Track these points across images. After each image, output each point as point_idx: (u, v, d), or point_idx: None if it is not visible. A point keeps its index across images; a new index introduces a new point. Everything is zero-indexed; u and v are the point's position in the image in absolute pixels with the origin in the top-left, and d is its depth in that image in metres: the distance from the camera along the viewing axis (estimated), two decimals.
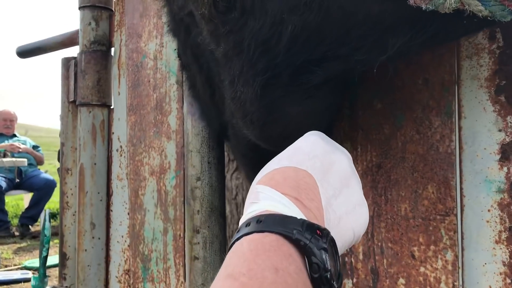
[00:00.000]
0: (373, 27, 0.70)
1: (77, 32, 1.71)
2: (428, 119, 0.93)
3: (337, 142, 0.78)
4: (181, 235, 1.33)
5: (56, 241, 6.66)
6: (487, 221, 0.90)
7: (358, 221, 0.72)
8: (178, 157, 1.33)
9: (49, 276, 1.85)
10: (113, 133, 1.60)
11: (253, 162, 1.09)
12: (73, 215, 1.65)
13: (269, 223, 0.59)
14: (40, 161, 7.59)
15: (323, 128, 0.91)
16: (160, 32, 1.38)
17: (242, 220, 0.66)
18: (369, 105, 1.00)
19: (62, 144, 1.67)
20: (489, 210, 0.90)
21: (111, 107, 1.62)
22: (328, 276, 0.58)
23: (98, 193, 1.58)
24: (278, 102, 0.83)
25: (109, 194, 1.60)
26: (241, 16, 0.78)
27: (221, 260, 1.29)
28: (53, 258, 4.78)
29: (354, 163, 1.01)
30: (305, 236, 0.58)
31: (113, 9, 1.64)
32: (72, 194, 1.65)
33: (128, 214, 1.50)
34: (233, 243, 0.61)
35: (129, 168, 1.48)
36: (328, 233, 0.61)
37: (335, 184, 0.70)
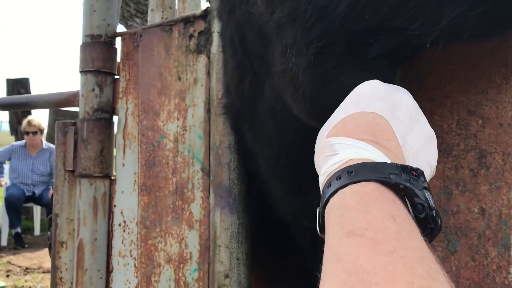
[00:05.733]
0: None
1: (75, 94, 1.61)
2: (484, 248, 0.97)
3: None
4: None
5: None
6: None
7: (431, 154, 0.74)
8: (201, 249, 1.29)
9: None
10: (115, 206, 1.52)
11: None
12: None
13: (362, 172, 0.58)
14: None
15: None
16: (183, 115, 1.33)
17: (324, 176, 0.65)
18: None
19: (56, 215, 1.56)
20: None
21: (113, 178, 1.54)
22: (434, 214, 0.59)
23: (98, 270, 1.49)
24: (332, 72, 0.81)
25: (108, 271, 1.52)
26: None
27: None
28: None
29: None
30: (403, 178, 0.58)
31: (117, 74, 1.56)
32: (66, 270, 1.54)
33: None
34: (328, 199, 0.60)
35: (139, 251, 1.41)
36: (422, 172, 0.61)
37: (406, 121, 0.71)
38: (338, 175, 0.61)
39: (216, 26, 1.25)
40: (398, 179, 0.58)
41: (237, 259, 1.22)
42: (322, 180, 0.67)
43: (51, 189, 6.84)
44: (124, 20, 5.81)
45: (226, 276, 1.21)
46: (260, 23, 0.94)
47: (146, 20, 5.60)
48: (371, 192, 0.57)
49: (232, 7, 1.05)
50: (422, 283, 0.45)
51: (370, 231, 0.51)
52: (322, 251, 1.16)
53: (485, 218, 0.97)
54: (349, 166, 0.60)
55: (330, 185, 0.61)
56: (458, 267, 0.99)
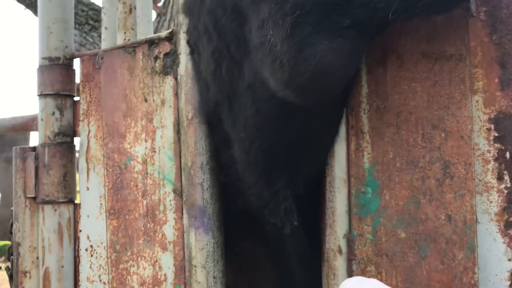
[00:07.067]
0: None
1: (32, 118, 1.56)
2: (451, 252, 1.04)
3: None
4: None
5: None
6: None
7: None
8: (176, 270, 1.29)
9: None
10: (80, 231, 1.49)
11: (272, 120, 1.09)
12: None
13: None
14: None
15: (349, 72, 0.97)
16: (151, 137, 1.33)
17: None
18: (392, 234, 1.08)
19: (18, 244, 1.50)
20: None
21: (77, 202, 1.51)
22: None
23: None
24: (308, 39, 0.86)
25: None
26: None
27: None
28: None
29: None
30: None
31: (76, 95, 1.54)
32: None
33: None
34: None
35: (110, 275, 1.39)
36: None
37: None
38: None
39: (182, 47, 1.26)
40: None
41: (214, 277, 1.23)
42: None
43: None
44: None
45: None
46: (234, 1, 0.99)
47: (85, 32, 5.48)
48: None
49: None
50: None
51: None
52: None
53: (451, 224, 1.04)
54: None
55: None
56: (429, 271, 1.05)
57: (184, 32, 1.23)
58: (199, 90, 1.23)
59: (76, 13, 5.25)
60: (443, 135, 1.05)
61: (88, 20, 5.08)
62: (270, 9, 0.87)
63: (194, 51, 1.23)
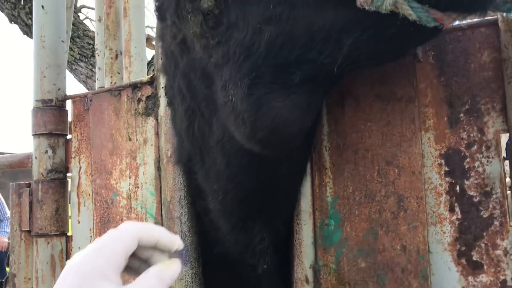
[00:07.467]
0: (331, 30, 0.88)
1: (27, 156, 1.67)
2: (407, 281, 1.11)
3: None
4: None
5: None
6: None
7: None
8: None
9: None
10: None
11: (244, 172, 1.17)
12: None
13: None
14: None
15: (307, 123, 1.06)
16: (135, 173, 1.43)
17: None
18: (353, 264, 1.16)
19: (14, 275, 1.60)
20: None
21: (69, 235, 1.60)
22: None
23: None
24: (264, 98, 0.95)
25: None
26: (227, 29, 0.97)
27: None
28: None
29: None
30: None
31: (68, 134, 1.64)
32: None
33: None
34: None
35: None
36: None
37: None
38: None
39: (162, 91, 1.37)
40: None
41: None
42: None
43: None
44: (69, 65, 5.83)
45: None
46: (202, 66, 1.10)
47: (91, 64, 5.65)
48: None
49: (176, 60, 1.19)
50: None
51: None
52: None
53: (406, 254, 1.11)
54: None
55: None
56: None
57: (163, 87, 1.34)
58: (176, 136, 1.32)
59: (82, 46, 5.45)
60: (396, 170, 1.14)
61: (94, 53, 5.24)
62: (230, 72, 0.98)
63: (170, 105, 1.34)
